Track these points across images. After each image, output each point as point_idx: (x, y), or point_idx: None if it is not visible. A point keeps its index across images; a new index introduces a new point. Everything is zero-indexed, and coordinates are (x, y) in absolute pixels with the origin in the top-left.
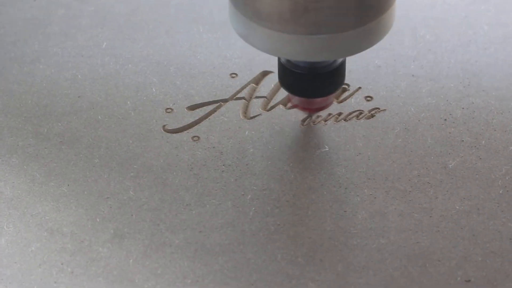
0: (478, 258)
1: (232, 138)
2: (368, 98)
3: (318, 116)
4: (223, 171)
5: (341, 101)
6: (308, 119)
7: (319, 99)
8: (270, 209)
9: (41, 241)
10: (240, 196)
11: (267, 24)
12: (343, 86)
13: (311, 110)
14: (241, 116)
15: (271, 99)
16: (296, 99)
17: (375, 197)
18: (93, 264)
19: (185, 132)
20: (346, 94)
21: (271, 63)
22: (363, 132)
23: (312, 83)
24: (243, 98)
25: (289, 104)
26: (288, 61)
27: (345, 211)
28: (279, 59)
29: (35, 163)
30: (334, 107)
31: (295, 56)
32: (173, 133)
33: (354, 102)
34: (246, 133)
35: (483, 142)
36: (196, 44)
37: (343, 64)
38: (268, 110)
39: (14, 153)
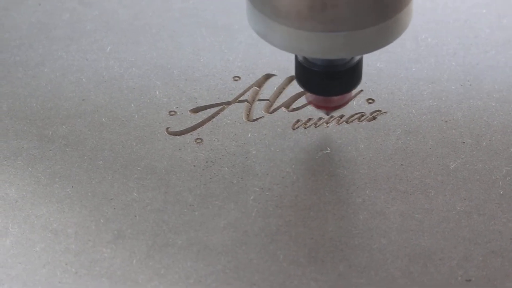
0: (478, 258)
1: (234, 140)
2: (370, 101)
3: (320, 119)
4: (225, 172)
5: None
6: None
7: (336, 98)
8: (272, 210)
9: (45, 242)
10: (242, 197)
11: (286, 21)
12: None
13: (328, 109)
14: (244, 119)
15: (274, 101)
16: (313, 98)
17: (377, 198)
18: (97, 265)
19: (188, 134)
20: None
21: (274, 66)
22: (365, 134)
23: (329, 81)
24: (246, 100)
25: (291, 107)
26: (305, 59)
27: (346, 212)
28: (296, 57)
29: (40, 165)
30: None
31: (313, 54)
32: (176, 135)
33: (356, 105)
34: (249, 135)
35: (484, 143)
36: (199, 47)
37: (360, 62)
38: (270, 113)
39: (19, 155)
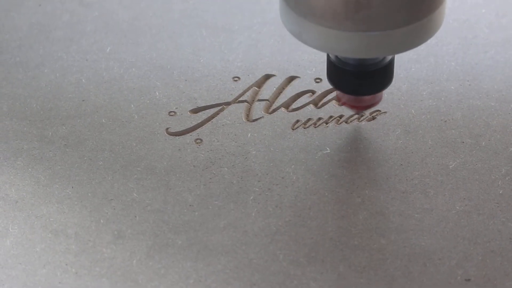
0: (478, 258)
1: (234, 140)
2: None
3: (319, 119)
4: (225, 173)
5: (344, 104)
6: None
7: (368, 97)
8: (272, 210)
9: (45, 242)
10: (242, 197)
11: (320, 21)
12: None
13: (360, 108)
14: (243, 119)
15: (273, 102)
16: (345, 97)
17: (376, 198)
18: (97, 265)
19: (188, 134)
20: None
21: (273, 67)
22: (364, 134)
23: (361, 80)
24: (245, 101)
25: (291, 107)
26: (337, 58)
27: (346, 212)
28: (328, 56)
29: (40, 165)
30: (336, 110)
31: (347, 53)
32: (176, 135)
33: None
34: (249, 135)
35: (483, 143)
36: (199, 48)
37: (392, 62)
38: (270, 113)
39: (19, 156)
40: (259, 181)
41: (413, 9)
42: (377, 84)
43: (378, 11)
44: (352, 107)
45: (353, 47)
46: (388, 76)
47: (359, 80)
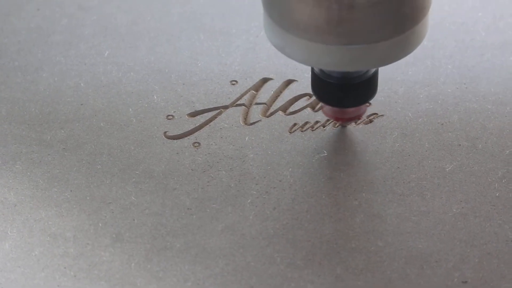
0: (475, 260)
1: (232, 144)
2: (367, 104)
3: (317, 122)
4: (223, 176)
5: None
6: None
7: (351, 109)
8: (269, 213)
9: (44, 246)
10: (240, 200)
11: (303, 35)
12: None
13: (344, 120)
14: (241, 122)
15: (271, 105)
16: (328, 109)
17: (373, 201)
18: (95, 268)
19: (186, 138)
20: None
21: (271, 70)
22: (361, 137)
23: (345, 93)
24: (243, 104)
25: (288, 111)
26: (321, 71)
27: (343, 215)
28: (312, 69)
29: (39, 169)
30: None
31: (330, 66)
32: (174, 139)
33: None
34: (246, 139)
35: (480, 146)
36: (197, 52)
37: (376, 74)
38: (267, 116)
39: (18, 160)
40: (256, 184)
41: (396, 22)
42: (361, 96)
43: (360, 25)
44: (336, 119)
45: (336, 60)
46: (372, 88)
47: (342, 92)
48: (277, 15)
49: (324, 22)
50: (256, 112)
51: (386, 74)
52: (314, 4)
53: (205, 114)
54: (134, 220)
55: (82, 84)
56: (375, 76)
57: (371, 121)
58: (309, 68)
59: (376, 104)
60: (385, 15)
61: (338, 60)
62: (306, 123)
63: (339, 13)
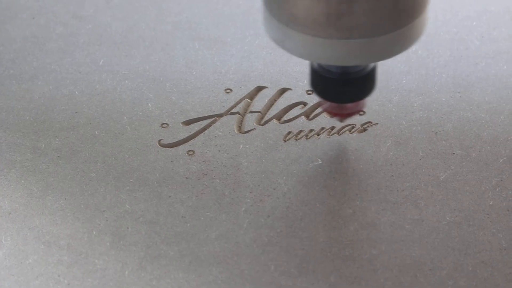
0: (468, 268)
1: (226, 152)
2: (361, 112)
3: (311, 130)
4: (217, 184)
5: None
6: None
7: (350, 105)
8: (263, 221)
9: (38, 254)
10: (234, 208)
11: (302, 29)
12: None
13: (342, 116)
14: (235, 131)
15: (265, 114)
16: (327, 105)
17: (367, 209)
18: (89, 276)
19: (180, 146)
20: None
21: (265, 79)
22: (356, 145)
23: (343, 88)
24: (237, 113)
25: (283, 119)
26: (320, 66)
27: (337, 223)
28: (311, 64)
29: (33, 177)
30: (327, 121)
31: (329, 61)
32: (168, 147)
33: None
34: (241, 147)
35: (474, 154)
36: (192, 60)
37: (374, 69)
38: (262, 125)
39: (12, 168)
40: (250, 192)
41: (395, 16)
42: (360, 91)
43: (360, 19)
44: (334, 114)
45: (335, 54)
46: (370, 83)
47: (341, 87)
48: (276, 9)
49: (324, 16)
50: (250, 121)
51: (381, 83)
52: None
53: (200, 122)
54: (128, 228)
55: (76, 92)
56: (373, 71)
57: (365, 130)
58: (303, 77)
59: (370, 112)
60: (384, 9)
61: (337, 54)
62: (301, 131)
63: (339, 7)
